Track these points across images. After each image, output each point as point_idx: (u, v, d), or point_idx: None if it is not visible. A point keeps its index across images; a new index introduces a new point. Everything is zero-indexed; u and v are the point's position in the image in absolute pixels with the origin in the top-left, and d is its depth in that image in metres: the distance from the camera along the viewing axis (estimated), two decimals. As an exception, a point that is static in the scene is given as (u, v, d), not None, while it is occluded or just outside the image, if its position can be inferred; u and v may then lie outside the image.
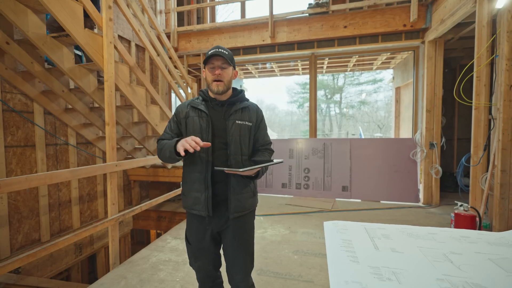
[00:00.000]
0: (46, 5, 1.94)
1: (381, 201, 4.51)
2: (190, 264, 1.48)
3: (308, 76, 5.34)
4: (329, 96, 21.95)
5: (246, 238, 1.42)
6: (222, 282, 1.55)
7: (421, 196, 4.36)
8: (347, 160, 4.72)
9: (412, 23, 4.13)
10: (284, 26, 4.66)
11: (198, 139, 1.19)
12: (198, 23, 6.51)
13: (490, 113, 2.71)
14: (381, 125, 21.03)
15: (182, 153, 1.22)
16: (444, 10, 3.56)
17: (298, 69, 6.81)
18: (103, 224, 2.37)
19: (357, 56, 5.48)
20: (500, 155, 2.51)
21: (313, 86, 5.03)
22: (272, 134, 20.06)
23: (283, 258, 2.52)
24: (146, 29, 3.30)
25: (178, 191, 3.56)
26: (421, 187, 4.36)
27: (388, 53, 5.25)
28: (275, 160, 1.24)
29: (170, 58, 3.97)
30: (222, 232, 1.41)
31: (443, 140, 4.21)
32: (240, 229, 1.39)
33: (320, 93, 21.09)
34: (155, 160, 3.26)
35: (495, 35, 2.63)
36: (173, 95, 5.66)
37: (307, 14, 4.57)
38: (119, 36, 4.11)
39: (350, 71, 7.31)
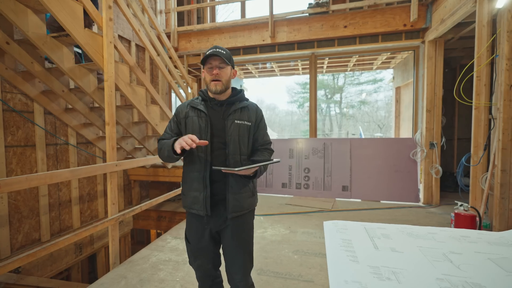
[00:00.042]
0: (46, 5, 1.94)
1: (381, 201, 4.51)
2: (190, 263, 1.48)
3: (308, 76, 5.34)
4: (329, 96, 21.95)
5: (244, 237, 1.42)
6: (221, 281, 1.56)
7: (421, 196, 4.36)
8: (347, 160, 4.72)
9: (412, 23, 4.13)
10: (284, 26, 4.66)
11: (194, 137, 1.20)
12: (198, 23, 6.50)
13: (490, 112, 2.71)
14: (381, 125, 21.03)
15: (178, 151, 1.22)
16: (444, 10, 3.56)
17: (298, 69, 6.81)
18: (103, 224, 2.37)
19: (357, 56, 5.48)
20: (500, 155, 2.51)
21: (313, 86, 5.03)
22: (272, 134, 20.05)
23: (283, 258, 2.52)
24: (146, 29, 3.30)
25: (178, 191, 3.57)
26: (421, 187, 4.36)
27: (388, 53, 5.25)
28: (271, 160, 1.24)
29: (170, 58, 3.97)
30: (221, 231, 1.41)
31: (443, 140, 4.21)
32: (238, 228, 1.39)
33: (320, 93, 21.10)
34: (155, 160, 3.26)
35: (495, 35, 2.62)
36: (173, 95, 5.66)
37: (307, 14, 4.57)
38: (119, 36, 4.11)
39: (350, 71, 7.31)
